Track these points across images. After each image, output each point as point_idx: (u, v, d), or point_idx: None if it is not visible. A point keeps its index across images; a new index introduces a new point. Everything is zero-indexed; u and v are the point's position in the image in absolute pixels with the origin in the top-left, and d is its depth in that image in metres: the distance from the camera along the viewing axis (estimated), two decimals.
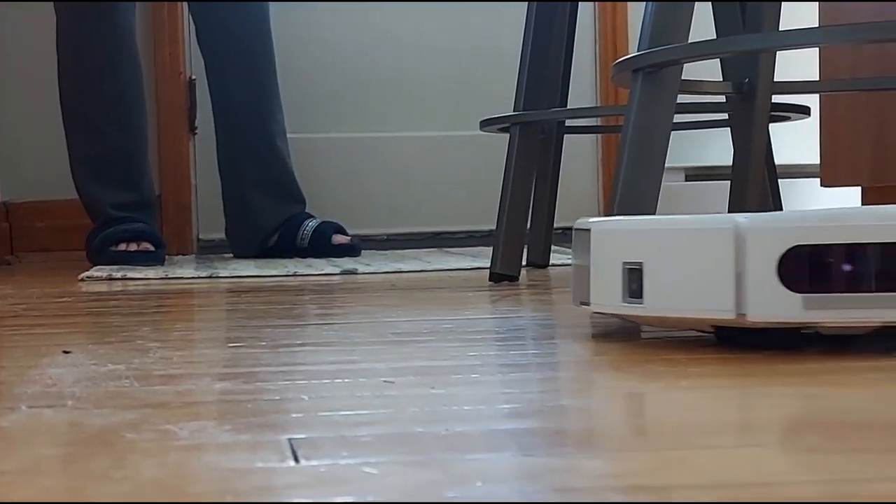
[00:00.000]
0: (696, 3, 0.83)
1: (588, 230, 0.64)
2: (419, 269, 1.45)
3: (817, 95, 1.65)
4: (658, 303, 0.58)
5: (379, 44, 2.15)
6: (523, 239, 1.21)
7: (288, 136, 1.87)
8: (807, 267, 0.53)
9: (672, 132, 1.49)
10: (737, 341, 0.58)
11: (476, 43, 2.17)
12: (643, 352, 0.59)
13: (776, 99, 1.36)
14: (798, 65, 2.00)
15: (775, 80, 1.21)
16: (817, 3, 1.58)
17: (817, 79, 1.61)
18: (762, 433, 0.37)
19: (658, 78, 0.82)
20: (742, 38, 0.76)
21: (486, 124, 1.27)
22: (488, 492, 0.30)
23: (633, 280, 0.59)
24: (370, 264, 1.53)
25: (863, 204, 1.70)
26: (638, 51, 0.83)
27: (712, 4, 1.15)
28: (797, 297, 0.53)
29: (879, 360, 0.53)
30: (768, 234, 0.53)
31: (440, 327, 0.74)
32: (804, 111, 1.22)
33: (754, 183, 1.01)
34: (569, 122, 1.45)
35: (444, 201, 2.16)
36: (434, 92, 2.17)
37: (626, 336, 0.66)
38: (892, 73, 1.46)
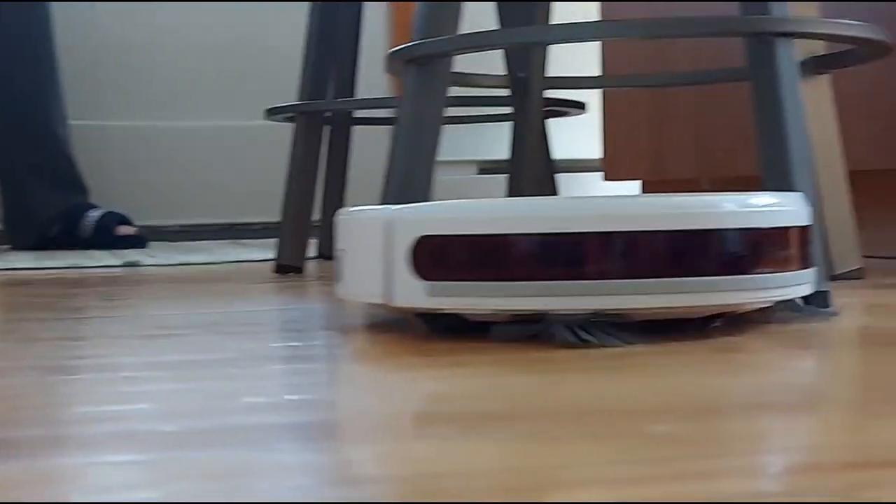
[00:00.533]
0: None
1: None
2: (207, 261, 1.42)
3: (601, 92, 1.72)
4: (348, 288, 0.64)
5: (165, 34, 2.10)
6: (308, 230, 1.20)
7: (71, 122, 1.79)
8: (433, 256, 0.57)
9: (465, 125, 1.52)
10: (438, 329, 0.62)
11: (265, 32, 2.14)
12: (407, 343, 0.59)
13: (559, 94, 1.40)
14: (588, 61, 2.07)
15: (563, 76, 1.25)
16: (599, 1, 1.63)
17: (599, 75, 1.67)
18: (485, 422, 0.38)
19: (429, 70, 0.83)
20: (508, 31, 0.77)
21: (270, 113, 1.25)
22: (202, 490, 0.29)
23: (341, 266, 0.65)
24: (155, 256, 1.48)
25: None
26: (412, 42, 0.83)
27: (497, 5, 1.17)
28: (423, 284, 0.57)
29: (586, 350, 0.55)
30: (404, 225, 0.58)
31: (208, 320, 0.72)
32: (580, 107, 1.26)
33: (530, 175, 1.04)
34: (360, 114, 1.45)
35: (239, 192, 2.13)
36: (222, 82, 2.13)
37: (395, 327, 0.66)
38: (667, 70, 1.53)
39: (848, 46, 0.86)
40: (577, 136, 2.31)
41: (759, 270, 0.57)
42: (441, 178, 2.34)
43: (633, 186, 2.16)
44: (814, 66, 0.91)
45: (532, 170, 1.05)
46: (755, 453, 0.33)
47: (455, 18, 0.82)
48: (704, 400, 0.41)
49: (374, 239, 0.59)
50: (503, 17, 1.15)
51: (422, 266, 0.57)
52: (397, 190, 0.83)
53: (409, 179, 0.83)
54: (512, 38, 0.76)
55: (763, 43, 0.73)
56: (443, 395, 0.43)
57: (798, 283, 0.60)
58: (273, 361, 0.54)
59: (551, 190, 1.17)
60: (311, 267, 1.25)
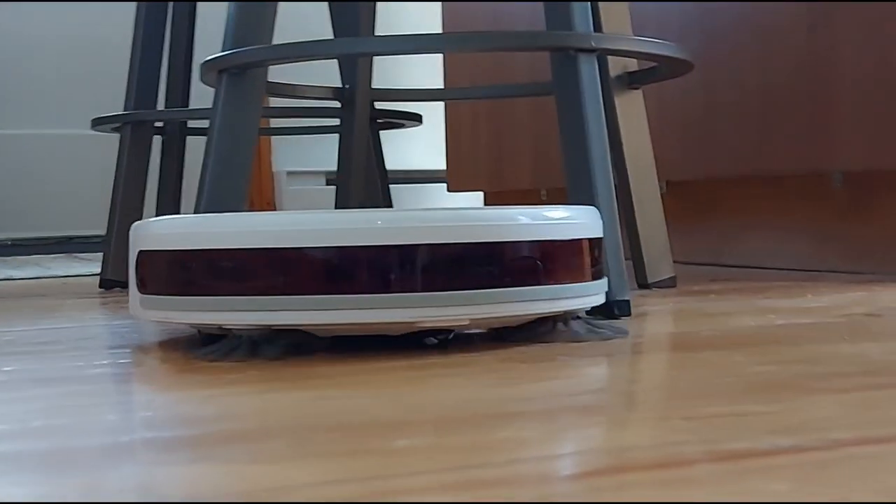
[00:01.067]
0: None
1: None
2: (34, 275, 1.37)
3: (443, 104, 1.73)
4: (130, 302, 0.64)
5: None
6: None
7: None
8: (146, 270, 0.60)
9: (314, 136, 1.50)
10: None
11: (98, 40, 2.08)
12: (194, 362, 0.58)
13: (395, 106, 1.39)
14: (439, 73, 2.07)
15: (395, 88, 1.25)
16: (441, 5, 1.64)
17: (442, 87, 1.69)
18: (268, 440, 0.37)
19: (243, 79, 0.82)
20: (326, 42, 0.76)
21: (97, 123, 1.22)
22: None
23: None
24: None
25: None
26: (222, 51, 0.82)
27: (329, 6, 1.16)
28: (140, 297, 0.60)
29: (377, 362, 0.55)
30: (135, 239, 0.61)
31: (1, 340, 0.69)
32: (416, 118, 1.26)
33: (356, 185, 1.04)
34: (194, 124, 1.42)
35: (75, 204, 2.06)
36: (53, 87, 2.06)
37: (191, 344, 0.64)
38: (507, 82, 1.55)
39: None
40: (431, 148, 2.33)
41: (549, 281, 0.58)
42: (290, 188, 2.32)
43: (475, 197, 2.18)
44: (627, 81, 0.94)
45: (359, 180, 1.04)
46: (496, 464, 0.33)
47: (269, 25, 0.81)
48: (464, 411, 0.41)
49: (132, 252, 0.62)
50: (334, 19, 1.13)
51: (140, 279, 0.60)
52: (209, 201, 0.81)
53: (220, 190, 0.81)
54: (337, 48, 0.75)
55: (567, 58, 0.75)
56: (198, 416, 0.42)
57: (590, 294, 0.61)
58: (44, 384, 0.51)
59: (382, 200, 1.16)
60: None
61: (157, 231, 0.59)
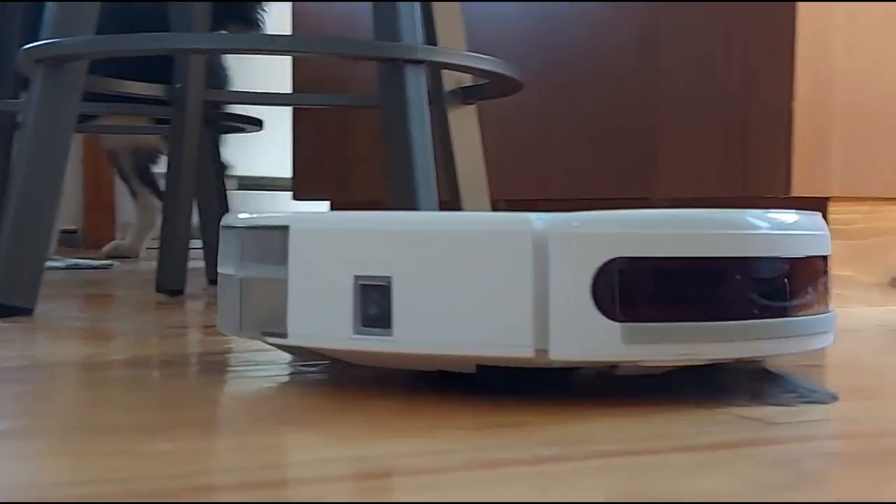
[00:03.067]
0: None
1: (280, 228, 0.46)
2: None
3: (291, 109, 1.71)
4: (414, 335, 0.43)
5: None
6: None
7: None
8: (632, 286, 0.42)
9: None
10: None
11: None
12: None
13: (241, 110, 1.37)
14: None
15: (234, 90, 1.22)
16: (291, 5, 1.63)
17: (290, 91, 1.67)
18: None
19: (61, 72, 0.79)
20: (145, 37, 0.74)
21: None
22: None
23: (374, 302, 0.44)
24: None
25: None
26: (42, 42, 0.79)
27: (169, 6, 1.13)
28: (616, 328, 0.42)
29: None
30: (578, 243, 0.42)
31: None
32: (257, 123, 1.24)
33: (186, 187, 1.01)
34: None
35: None
36: None
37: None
38: (357, 91, 1.54)
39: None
40: (273, 153, 2.30)
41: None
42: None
43: (321, 206, 2.16)
44: (461, 96, 0.94)
45: (190, 182, 1.02)
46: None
47: (90, 18, 0.78)
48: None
49: (588, 259, 0.43)
50: (171, 17, 1.11)
51: (621, 300, 0.43)
52: (21, 196, 0.78)
53: (34, 184, 0.78)
54: (136, 45, 0.73)
55: (394, 68, 0.75)
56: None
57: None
58: None
59: (217, 205, 1.14)
60: None
61: (640, 230, 0.42)
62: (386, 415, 0.41)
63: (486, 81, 0.92)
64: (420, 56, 0.74)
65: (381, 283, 0.43)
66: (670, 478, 0.32)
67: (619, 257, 0.41)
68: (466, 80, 0.96)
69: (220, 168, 1.21)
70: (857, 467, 0.34)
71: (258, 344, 0.62)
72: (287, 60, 2.11)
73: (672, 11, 1.09)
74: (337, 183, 1.63)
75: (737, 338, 0.43)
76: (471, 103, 0.96)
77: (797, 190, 0.97)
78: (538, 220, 0.42)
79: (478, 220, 0.42)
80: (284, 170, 2.25)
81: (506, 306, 0.41)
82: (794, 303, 0.45)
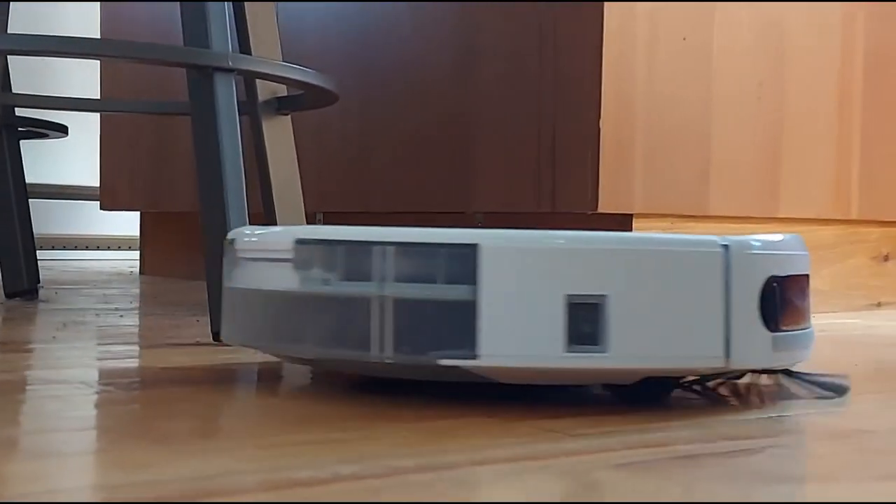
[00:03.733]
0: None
1: (464, 246, 0.45)
2: None
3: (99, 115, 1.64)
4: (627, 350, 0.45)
5: None
6: None
7: None
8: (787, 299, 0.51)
9: None
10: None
11: None
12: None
13: (45, 114, 1.30)
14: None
15: (38, 94, 1.16)
16: (99, 12, 1.56)
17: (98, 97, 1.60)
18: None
19: None
20: None
21: None
22: None
23: (586, 320, 0.45)
24: None
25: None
26: None
27: None
28: (769, 337, 0.49)
29: None
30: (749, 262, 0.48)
31: None
32: (61, 129, 1.18)
33: None
34: None
35: None
36: None
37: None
38: (172, 98, 1.50)
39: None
40: (81, 161, 2.20)
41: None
42: None
43: (131, 218, 2.09)
44: (276, 106, 0.93)
45: None
46: None
47: None
48: None
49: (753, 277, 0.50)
50: None
51: (779, 311, 0.52)
52: None
53: None
54: None
55: (203, 76, 0.72)
56: None
57: None
58: None
59: (16, 214, 1.08)
60: None
61: (788, 252, 0.50)
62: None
63: (302, 92, 0.91)
64: (230, 64, 0.72)
65: (594, 302, 0.44)
66: (468, 488, 0.32)
67: (775, 275, 0.48)
68: (282, 90, 0.94)
69: (21, 175, 1.14)
70: (641, 476, 0.34)
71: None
72: (96, 65, 2.03)
73: (488, 27, 1.11)
74: (149, 194, 1.58)
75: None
76: (286, 114, 0.94)
77: (603, 206, 1.00)
78: (722, 241, 0.47)
79: (676, 242, 0.46)
80: (93, 179, 2.16)
81: (700, 320, 0.46)
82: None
